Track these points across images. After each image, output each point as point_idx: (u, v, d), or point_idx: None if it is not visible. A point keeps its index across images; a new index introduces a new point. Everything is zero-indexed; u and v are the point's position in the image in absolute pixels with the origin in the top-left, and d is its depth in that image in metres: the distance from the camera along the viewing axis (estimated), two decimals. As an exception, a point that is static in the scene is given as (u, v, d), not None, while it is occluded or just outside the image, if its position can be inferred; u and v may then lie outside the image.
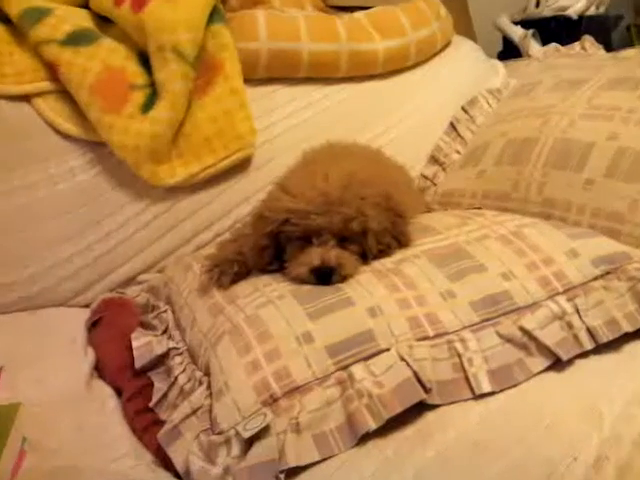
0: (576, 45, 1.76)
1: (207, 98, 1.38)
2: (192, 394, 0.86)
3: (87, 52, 1.33)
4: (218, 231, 1.39)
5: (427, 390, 0.79)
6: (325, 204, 0.95)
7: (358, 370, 0.80)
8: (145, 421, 0.92)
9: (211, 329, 0.92)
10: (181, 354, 0.97)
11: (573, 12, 2.13)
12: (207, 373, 0.88)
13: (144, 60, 1.38)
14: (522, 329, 0.87)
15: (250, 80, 1.45)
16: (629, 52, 1.57)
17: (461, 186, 1.39)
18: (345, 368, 0.81)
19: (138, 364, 0.98)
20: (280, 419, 0.77)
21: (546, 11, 2.22)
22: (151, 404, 0.91)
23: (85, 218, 1.34)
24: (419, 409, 0.79)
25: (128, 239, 1.36)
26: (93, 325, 1.19)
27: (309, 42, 1.48)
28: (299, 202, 0.95)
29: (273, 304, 0.90)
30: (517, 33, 2.15)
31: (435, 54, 1.73)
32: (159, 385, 0.94)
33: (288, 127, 1.47)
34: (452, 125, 1.61)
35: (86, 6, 1.46)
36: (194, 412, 0.83)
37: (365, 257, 0.99)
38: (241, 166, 1.41)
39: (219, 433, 0.77)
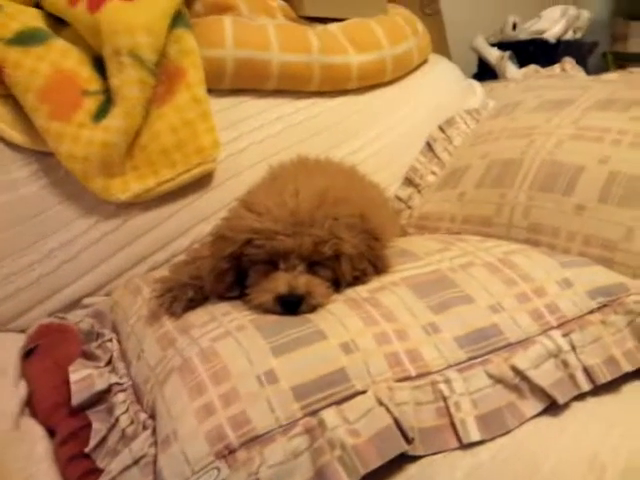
0: (556, 67, 1.72)
1: (167, 107, 1.27)
2: (134, 440, 0.74)
3: (36, 53, 1.22)
4: (174, 252, 1.28)
5: (409, 440, 0.68)
6: (294, 224, 0.84)
7: (330, 416, 0.69)
8: (80, 469, 0.79)
9: (159, 363, 0.80)
10: (125, 390, 0.85)
11: (551, 36, 2.10)
12: (153, 415, 0.75)
13: (99, 65, 1.27)
14: (514, 369, 0.78)
15: (215, 90, 1.36)
16: (611, 75, 1.53)
17: (439, 209, 1.30)
18: (314, 413, 0.70)
19: (75, 401, 0.86)
20: (237, 474, 0.65)
21: (523, 34, 2.21)
22: (87, 449, 0.79)
23: (27, 234, 1.22)
24: (399, 461, 0.69)
25: (74, 258, 1.24)
26: (28, 354, 1.05)
27: (279, 52, 1.39)
28: (265, 221, 0.85)
29: (232, 336, 0.78)
30: (494, 55, 2.13)
31: (411, 71, 1.66)
32: (98, 426, 0.82)
33: (255, 141, 1.37)
34: (428, 145, 1.54)
35: (38, 5, 1.34)
36: (136, 462, 0.71)
37: (338, 284, 0.89)
38: (202, 182, 1.30)
39: (164, 490, 0.65)
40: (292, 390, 0.71)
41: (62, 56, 1.24)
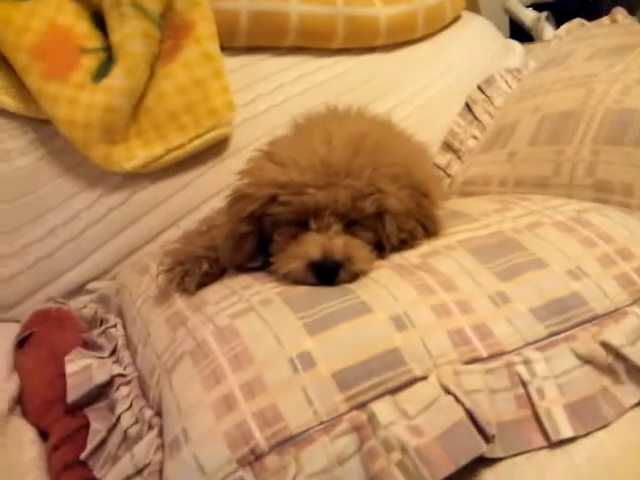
0: (604, 19, 1.53)
1: (174, 64, 1.14)
2: (138, 443, 0.60)
3: (28, 7, 1.10)
4: (187, 229, 1.12)
5: (488, 438, 0.53)
6: (327, 175, 0.69)
7: (383, 409, 0.54)
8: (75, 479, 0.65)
9: (168, 348, 0.65)
10: (129, 383, 0.71)
11: (592, -8, 1.92)
12: (160, 412, 0.61)
13: (99, 21, 1.16)
14: (606, 346, 0.63)
15: (228, 48, 1.22)
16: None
17: (486, 172, 1.14)
18: (363, 406, 0.55)
19: (71, 397, 0.73)
20: (266, 487, 0.50)
21: (559, -7, 2.02)
22: (83, 456, 0.65)
23: (24, 212, 1.11)
24: (471, 466, 0.53)
25: (76, 238, 1.12)
26: (22, 343, 0.92)
27: (298, 3, 1.25)
28: (291, 172, 0.70)
29: (255, 312, 0.63)
30: (529, 16, 1.95)
31: (444, 27, 1.50)
32: (97, 426, 0.68)
33: (274, 104, 1.23)
34: (467, 106, 1.38)
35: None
36: (139, 472, 0.57)
37: (381, 249, 0.73)
38: (216, 149, 1.17)
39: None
40: (334, 377, 0.56)
41: (57, 10, 1.13)
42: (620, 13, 1.51)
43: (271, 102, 1.23)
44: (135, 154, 1.10)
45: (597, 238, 0.74)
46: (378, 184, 0.70)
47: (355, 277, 0.68)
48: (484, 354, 0.60)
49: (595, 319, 0.65)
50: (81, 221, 1.11)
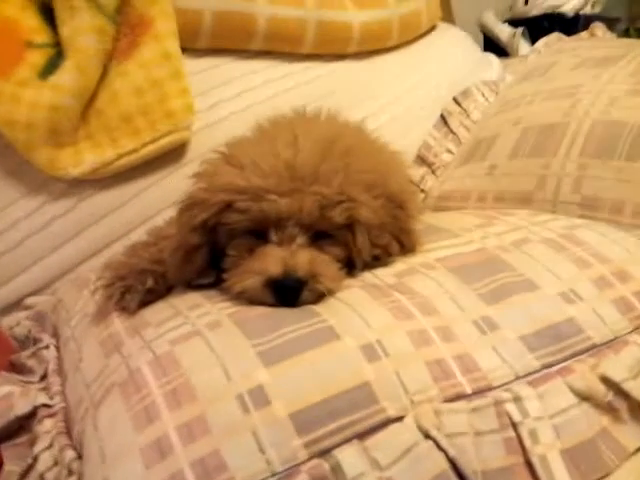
0: (583, 34, 1.49)
1: (130, 63, 1.05)
2: (54, 494, 0.50)
3: (-33, -3, 1.00)
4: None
5: (474, 493, 0.44)
6: (292, 180, 0.61)
7: (350, 456, 0.45)
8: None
9: (98, 377, 0.56)
10: (53, 416, 0.61)
11: (568, 9, 1.89)
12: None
13: (48, 14, 1.05)
14: (605, 380, 0.55)
15: (190, 49, 1.14)
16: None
17: (464, 187, 1.06)
18: (326, 453, 0.46)
19: (-12, 430, 0.62)
20: None
21: (535, 9, 2.01)
22: (-9, 505, 0.54)
23: None
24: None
25: (13, 249, 1.01)
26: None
27: (266, 5, 1.17)
28: (251, 176, 0.61)
29: (201, 337, 0.53)
30: (505, 32, 1.92)
31: (419, 37, 1.43)
32: (11, 468, 0.58)
33: (237, 110, 1.14)
34: (443, 118, 1.30)
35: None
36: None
37: (351, 265, 0.64)
38: (172, 155, 1.08)
39: None
40: (291, 418, 0.46)
41: (1, 1, 1.02)
42: (599, 28, 1.47)
43: (234, 108, 1.14)
44: (83, 158, 1.00)
45: (591, 257, 0.67)
46: (349, 192, 0.62)
47: (320, 297, 0.59)
48: (468, 390, 0.51)
49: (592, 349, 0.58)
50: (19, 231, 1.01)
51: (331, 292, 0.60)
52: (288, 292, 0.59)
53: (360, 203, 0.62)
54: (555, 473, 0.48)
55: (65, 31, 1.01)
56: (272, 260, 0.60)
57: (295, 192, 0.60)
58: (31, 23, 1.03)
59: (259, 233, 0.62)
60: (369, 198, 0.63)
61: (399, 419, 0.48)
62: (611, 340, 0.59)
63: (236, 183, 0.61)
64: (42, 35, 1.03)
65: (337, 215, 0.62)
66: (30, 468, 0.56)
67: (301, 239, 0.62)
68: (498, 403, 0.51)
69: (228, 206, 0.62)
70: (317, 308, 0.57)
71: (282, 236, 0.61)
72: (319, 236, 0.63)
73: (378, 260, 0.65)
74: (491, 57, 1.58)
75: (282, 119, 0.78)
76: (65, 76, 0.98)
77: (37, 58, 1.01)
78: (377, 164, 0.68)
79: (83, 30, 0.99)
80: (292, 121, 0.75)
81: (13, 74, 0.98)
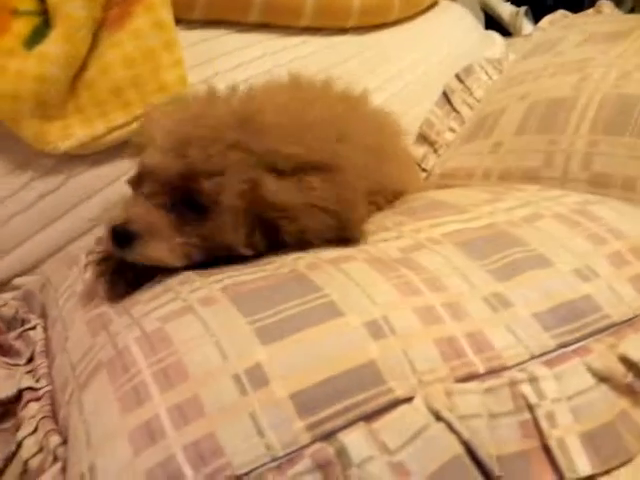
0: (589, 11, 1.45)
1: (121, 33, 1.01)
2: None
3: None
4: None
5: (491, 477, 0.41)
6: (178, 139, 0.60)
7: (356, 440, 0.42)
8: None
9: (84, 357, 0.52)
10: (39, 399, 0.57)
11: (574, -13, 1.84)
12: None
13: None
14: (625, 360, 0.52)
15: (184, 21, 1.09)
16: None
17: (468, 164, 1.03)
18: (330, 436, 0.42)
19: (-31, 415, 0.59)
20: None
21: (538, -12, 1.94)
22: (-27, 492, 0.51)
23: None
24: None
25: (1, 227, 0.98)
26: None
27: (264, -25, 1.12)
28: (157, 130, 0.62)
29: (194, 313, 0.50)
30: (507, 10, 1.86)
31: (421, 12, 1.39)
32: (-6, 455, 0.54)
33: (234, 83, 1.09)
34: (445, 96, 1.27)
35: None
36: (34, 522, 0.43)
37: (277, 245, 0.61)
38: (165, 129, 1.02)
39: None
40: (292, 399, 0.43)
41: (-16, -34, 0.98)
42: (606, 5, 1.42)
43: (230, 81, 1.09)
44: (72, 132, 0.96)
45: (606, 234, 0.63)
46: (226, 167, 0.58)
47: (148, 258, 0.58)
48: (481, 370, 0.48)
49: (611, 327, 0.54)
50: (5, 209, 0.97)
51: (158, 259, 0.58)
52: (121, 238, 0.57)
53: (236, 184, 0.59)
54: (574, 458, 0.45)
55: (53, -2, 0.97)
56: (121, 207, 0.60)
57: (172, 151, 0.59)
58: (17, -11, 1.00)
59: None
60: (273, 179, 0.59)
61: (408, 400, 0.44)
62: (631, 318, 0.56)
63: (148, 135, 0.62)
64: (28, 2, 0.99)
65: (203, 186, 0.58)
66: (13, 455, 0.53)
67: (162, 198, 0.59)
68: (513, 384, 0.47)
69: None
70: (318, 281, 0.53)
71: (148, 190, 0.60)
72: (192, 206, 0.59)
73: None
74: (494, 35, 1.54)
75: (270, 83, 0.77)
76: (52, 45, 0.94)
77: (22, 27, 0.97)
78: (332, 153, 0.63)
79: (71, -4, 0.96)
80: (268, 85, 0.73)
81: (-1, 43, 0.95)
